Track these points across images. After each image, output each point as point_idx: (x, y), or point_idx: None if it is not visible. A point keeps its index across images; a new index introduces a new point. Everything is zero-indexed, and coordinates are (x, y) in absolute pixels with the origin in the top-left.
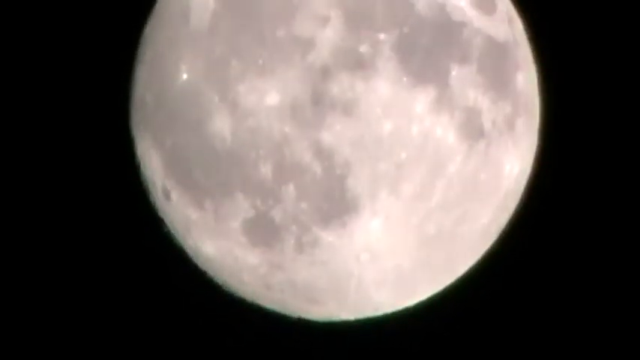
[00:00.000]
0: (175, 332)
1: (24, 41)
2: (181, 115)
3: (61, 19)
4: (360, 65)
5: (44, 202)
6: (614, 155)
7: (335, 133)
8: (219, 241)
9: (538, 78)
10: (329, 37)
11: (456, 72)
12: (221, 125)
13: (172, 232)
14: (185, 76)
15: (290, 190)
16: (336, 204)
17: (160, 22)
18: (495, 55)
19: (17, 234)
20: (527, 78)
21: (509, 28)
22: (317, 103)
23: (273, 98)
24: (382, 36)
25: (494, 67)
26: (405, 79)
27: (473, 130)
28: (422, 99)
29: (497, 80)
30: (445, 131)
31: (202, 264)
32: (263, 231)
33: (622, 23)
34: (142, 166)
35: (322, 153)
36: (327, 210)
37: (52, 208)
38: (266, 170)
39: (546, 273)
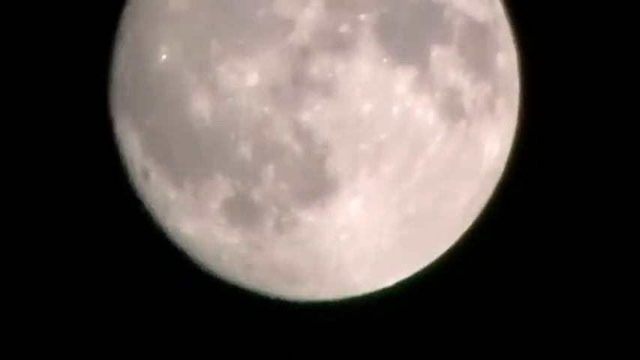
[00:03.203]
0: (155, 312)
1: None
2: (161, 95)
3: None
4: (340, 46)
5: (21, 182)
6: (594, 136)
7: (314, 114)
8: (198, 222)
9: (518, 59)
10: (309, 17)
11: (436, 52)
12: (200, 105)
13: (151, 212)
14: (164, 56)
15: (269, 170)
16: (315, 184)
17: (139, 2)
18: (476, 36)
19: None
20: (507, 59)
21: (490, 10)
22: (297, 84)
23: (252, 79)
24: (362, 16)
25: (475, 48)
26: (385, 59)
27: (453, 110)
28: (402, 79)
29: (478, 61)
30: (425, 111)
31: (182, 244)
32: (242, 211)
33: (602, 6)
34: (120, 145)
35: (302, 133)
36: (307, 190)
37: (29, 189)
38: (245, 150)
39: (526, 253)
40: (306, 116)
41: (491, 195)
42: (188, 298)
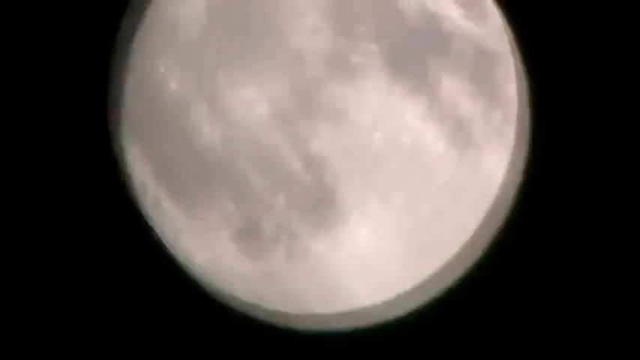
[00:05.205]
0: (164, 341)
1: (10, 52)
2: (171, 125)
3: (49, 30)
4: (350, 75)
5: (33, 211)
6: (605, 163)
7: (325, 143)
8: (209, 250)
9: (527, 88)
10: (319, 47)
11: (446, 81)
12: (210, 135)
13: (163, 240)
14: (174, 85)
15: (280, 199)
16: (325, 213)
17: (149, 33)
18: (486, 65)
19: (7, 244)
20: (517, 88)
21: (500, 39)
22: (306, 113)
23: (262, 108)
24: (373, 46)
25: (485, 77)
26: (395, 88)
27: (463, 138)
28: (412, 108)
29: (488, 89)
30: (435, 140)
31: (193, 273)
32: (253, 240)
33: (613, 37)
34: (132, 175)
35: (312, 163)
36: (317, 219)
37: (40, 220)
38: (256, 180)
39: (535, 281)
40: (316, 145)
41: (501, 223)
42: (197, 327)
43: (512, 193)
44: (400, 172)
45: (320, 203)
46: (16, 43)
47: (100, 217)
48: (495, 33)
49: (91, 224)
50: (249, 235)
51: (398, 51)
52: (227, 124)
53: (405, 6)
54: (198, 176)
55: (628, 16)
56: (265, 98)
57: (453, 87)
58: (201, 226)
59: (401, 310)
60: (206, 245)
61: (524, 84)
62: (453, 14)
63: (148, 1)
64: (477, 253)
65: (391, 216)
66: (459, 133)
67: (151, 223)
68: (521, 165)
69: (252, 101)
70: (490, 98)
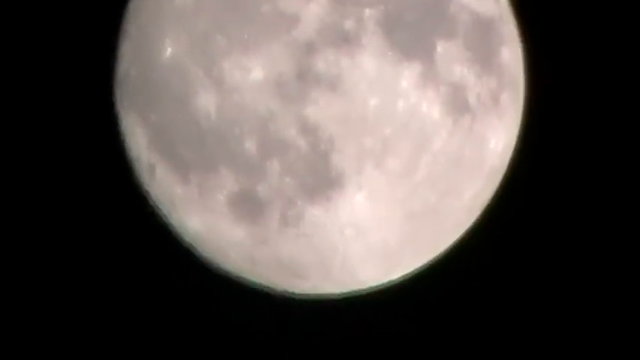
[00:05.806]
0: (160, 308)
1: (3, 17)
2: (166, 90)
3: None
4: (345, 41)
5: (26, 178)
6: (598, 131)
7: (320, 109)
8: (204, 216)
9: (522, 54)
10: (314, 12)
11: (441, 47)
12: (206, 101)
13: (157, 207)
14: (170, 51)
15: (274, 165)
16: (320, 179)
17: None
18: (481, 31)
19: (2, 212)
20: (512, 53)
21: (495, 4)
22: (302, 79)
23: (257, 74)
24: (367, 11)
25: (480, 43)
26: (390, 54)
27: (458, 105)
28: (407, 74)
29: (483, 55)
30: (430, 106)
31: (187, 239)
32: (248, 205)
33: (607, 2)
34: (126, 141)
35: (307, 128)
36: (312, 185)
37: (35, 186)
38: (250, 145)
39: (529, 247)
40: (311, 111)
41: (496, 189)
42: (193, 293)
43: (507, 158)
44: (395, 138)
45: (315, 169)
46: (14, 11)
47: (95, 184)
48: None
49: (86, 191)
50: (243, 200)
51: (392, 16)
52: (222, 90)
53: None
54: (192, 142)
55: None
56: (260, 64)
57: (447, 53)
58: (196, 191)
59: (396, 276)
60: (200, 211)
61: (520, 49)
62: None
63: None
64: (472, 219)
65: (386, 181)
66: (454, 100)
67: (145, 189)
68: (516, 131)
69: (246, 67)
70: (485, 64)
